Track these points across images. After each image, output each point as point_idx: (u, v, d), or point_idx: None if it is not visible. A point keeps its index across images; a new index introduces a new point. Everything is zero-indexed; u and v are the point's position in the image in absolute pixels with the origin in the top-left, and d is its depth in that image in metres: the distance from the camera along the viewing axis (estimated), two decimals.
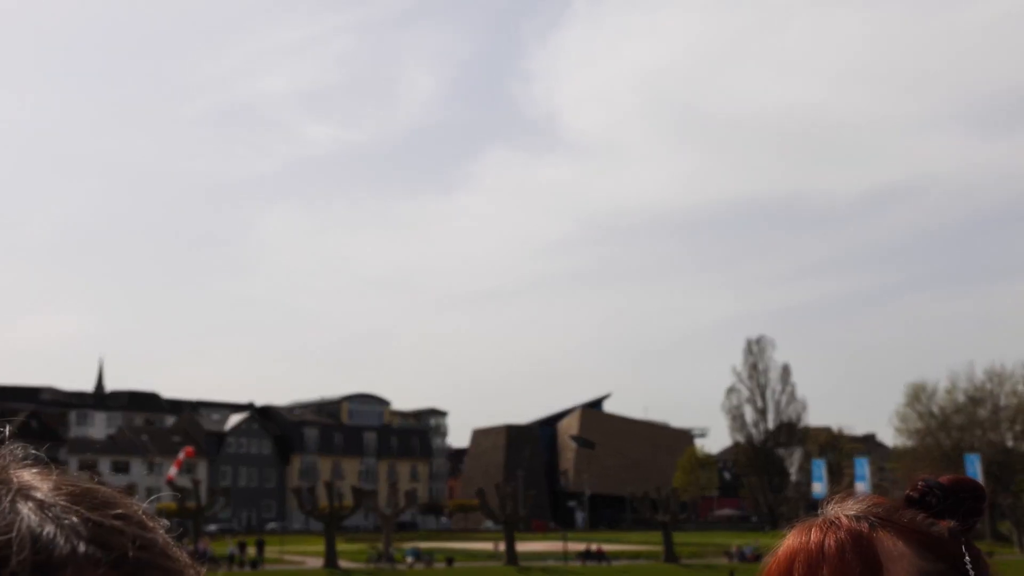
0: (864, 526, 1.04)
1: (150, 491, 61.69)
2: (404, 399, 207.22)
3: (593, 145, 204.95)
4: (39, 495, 0.57)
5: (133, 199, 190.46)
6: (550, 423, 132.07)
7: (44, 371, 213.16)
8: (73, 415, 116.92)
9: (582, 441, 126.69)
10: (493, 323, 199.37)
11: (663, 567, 59.90)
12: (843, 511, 1.07)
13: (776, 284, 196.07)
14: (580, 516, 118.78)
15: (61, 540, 0.56)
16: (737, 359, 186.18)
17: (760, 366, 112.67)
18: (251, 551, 57.28)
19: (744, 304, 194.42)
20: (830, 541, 1.03)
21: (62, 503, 0.58)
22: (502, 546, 66.23)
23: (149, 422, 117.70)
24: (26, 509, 0.56)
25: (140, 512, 0.60)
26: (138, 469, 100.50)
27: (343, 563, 56.22)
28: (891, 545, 1.02)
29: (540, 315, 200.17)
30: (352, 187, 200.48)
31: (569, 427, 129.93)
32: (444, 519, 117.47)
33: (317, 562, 57.90)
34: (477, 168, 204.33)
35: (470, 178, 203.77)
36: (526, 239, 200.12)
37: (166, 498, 75.15)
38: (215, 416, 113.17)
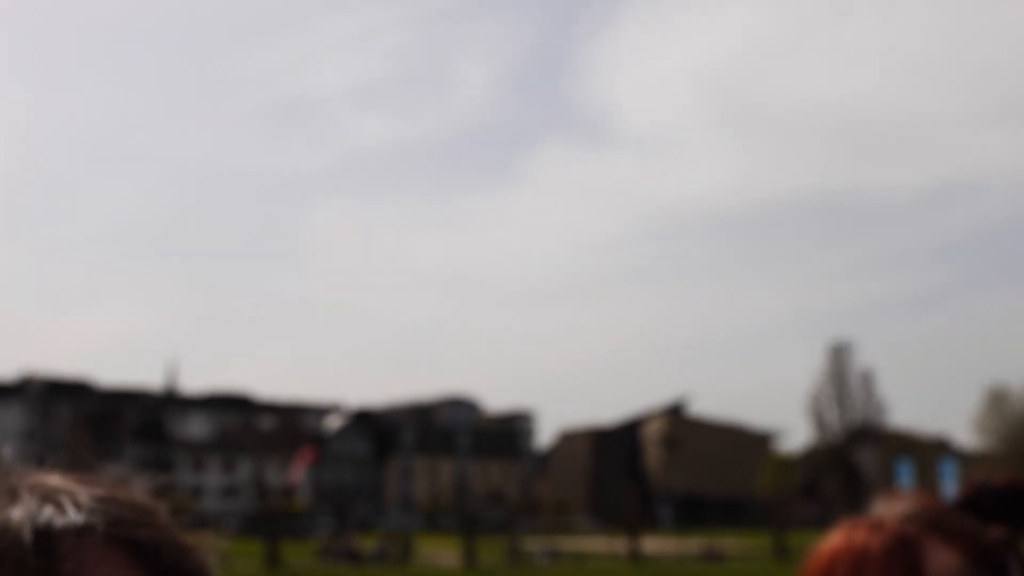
0: (911, 529, 1.01)
1: (260, 491, 65.22)
2: (489, 400, 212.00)
3: (650, 140, 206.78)
4: (43, 487, 0.64)
5: (186, 196, 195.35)
6: (633, 425, 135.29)
7: (111, 368, 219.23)
8: (174, 416, 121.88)
9: (666, 443, 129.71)
10: (558, 321, 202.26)
11: (776, 566, 62.59)
12: (891, 512, 1.04)
13: (838, 282, 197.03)
14: (665, 516, 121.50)
15: (58, 516, 0.61)
16: (808, 357, 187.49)
17: (842, 370, 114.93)
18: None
19: (808, 302, 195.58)
20: (875, 543, 1.00)
21: (63, 487, 0.64)
22: (621, 545, 69.46)
23: (244, 423, 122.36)
24: (29, 499, 0.62)
25: (139, 492, 0.67)
26: (245, 469, 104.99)
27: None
28: (937, 551, 0.99)
29: (606, 313, 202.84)
30: (406, 182, 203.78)
31: (653, 429, 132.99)
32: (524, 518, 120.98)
33: (446, 559, 61.24)
34: (532, 163, 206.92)
35: (525, 173, 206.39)
36: (583, 236, 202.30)
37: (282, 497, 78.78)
38: (316, 418, 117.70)
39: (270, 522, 54.69)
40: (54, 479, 0.64)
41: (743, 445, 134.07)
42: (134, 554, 0.63)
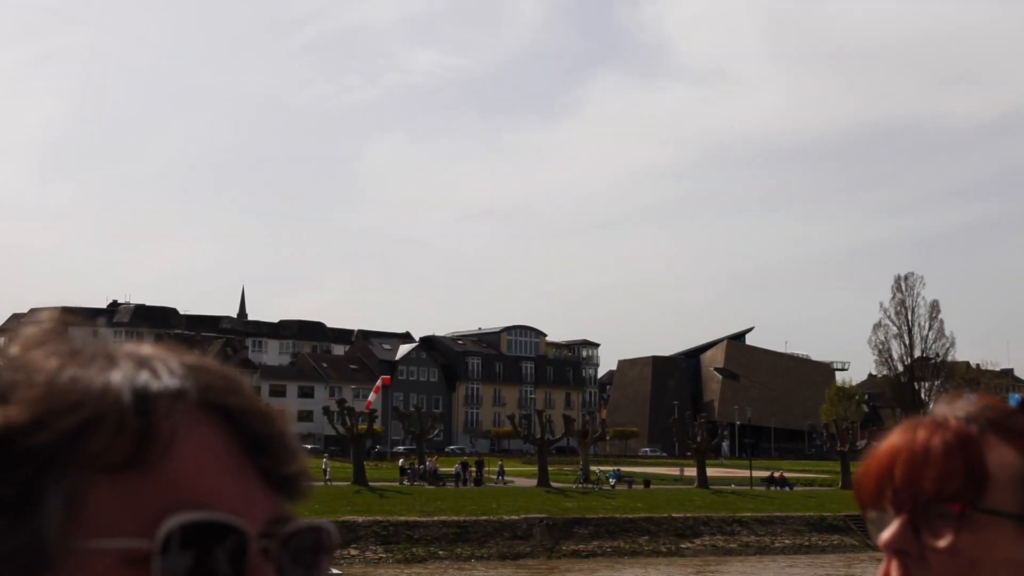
0: (973, 428, 1.00)
1: (331, 414, 67.69)
2: (551, 329, 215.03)
3: (706, 70, 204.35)
4: (138, 355, 0.67)
5: (247, 130, 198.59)
6: (694, 355, 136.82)
7: (188, 297, 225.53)
8: (249, 343, 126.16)
9: (727, 373, 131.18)
10: (616, 252, 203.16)
11: (843, 493, 64.24)
12: (953, 412, 1.02)
13: (904, 212, 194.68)
14: (724, 446, 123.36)
15: (153, 381, 0.64)
16: (873, 289, 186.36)
17: (908, 303, 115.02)
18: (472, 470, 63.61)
19: (873, 232, 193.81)
20: (936, 441, 0.99)
21: (157, 355, 0.67)
22: (688, 471, 71.70)
23: (316, 350, 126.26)
24: (127, 364, 0.65)
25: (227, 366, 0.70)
26: (321, 394, 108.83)
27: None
28: (999, 450, 0.98)
29: (665, 244, 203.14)
30: (460, 115, 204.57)
31: (714, 359, 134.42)
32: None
33: (522, 482, 63.84)
34: (585, 95, 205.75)
35: (579, 105, 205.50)
36: (639, 167, 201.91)
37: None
38: (386, 345, 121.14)
39: (357, 443, 57.56)
40: (148, 348, 0.68)
41: (805, 376, 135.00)
42: (224, 419, 0.66)
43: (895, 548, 0.98)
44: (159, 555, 0.60)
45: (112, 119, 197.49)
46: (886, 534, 0.99)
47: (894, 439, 1.02)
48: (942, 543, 0.96)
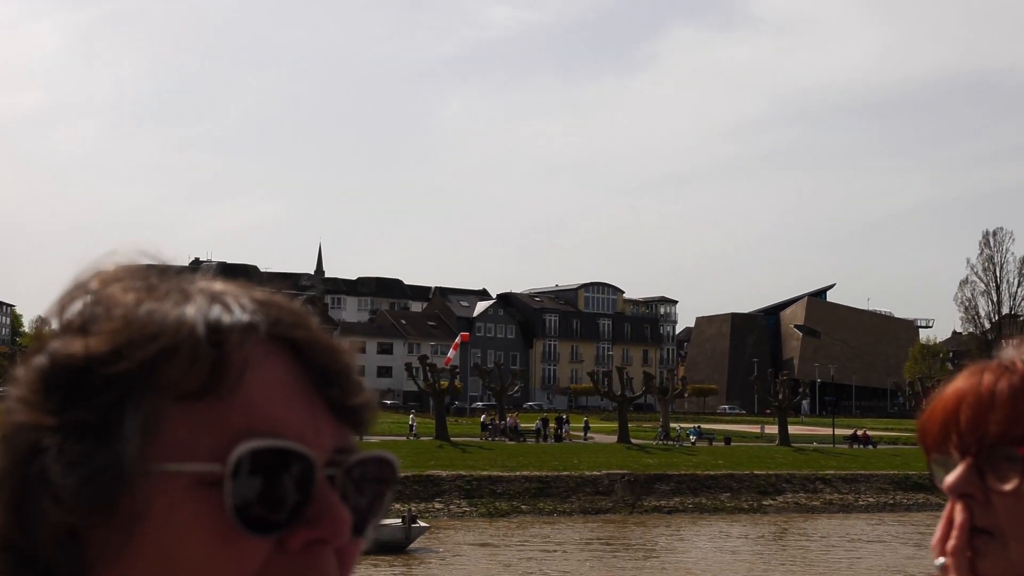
0: None
1: (413, 370, 68.54)
2: (628, 286, 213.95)
3: (784, 20, 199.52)
4: (211, 290, 0.70)
5: (321, 87, 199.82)
6: (773, 312, 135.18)
7: (258, 254, 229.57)
8: (328, 300, 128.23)
9: (807, 330, 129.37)
10: (693, 207, 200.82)
11: None
12: (1020, 356, 1.00)
13: (991, 166, 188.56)
14: (804, 403, 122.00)
15: (225, 315, 0.68)
16: (959, 245, 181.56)
17: (997, 259, 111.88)
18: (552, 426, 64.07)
19: (959, 187, 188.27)
20: (1003, 385, 0.97)
21: (229, 291, 0.71)
22: (768, 428, 71.23)
23: (395, 307, 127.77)
24: (200, 299, 0.68)
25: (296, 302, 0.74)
26: (399, 351, 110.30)
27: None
28: None
29: (742, 199, 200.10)
30: (534, 69, 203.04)
31: (794, 316, 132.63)
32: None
33: (602, 438, 64.06)
34: (661, 48, 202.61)
35: (654, 58, 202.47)
36: (716, 120, 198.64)
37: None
38: (463, 302, 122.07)
39: (438, 399, 58.33)
40: (219, 284, 0.72)
41: (888, 333, 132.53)
42: (292, 351, 0.70)
43: (960, 492, 0.98)
44: (230, 479, 0.64)
45: (189, 78, 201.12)
46: (951, 478, 0.98)
47: (960, 383, 1.01)
48: (1008, 486, 0.96)
